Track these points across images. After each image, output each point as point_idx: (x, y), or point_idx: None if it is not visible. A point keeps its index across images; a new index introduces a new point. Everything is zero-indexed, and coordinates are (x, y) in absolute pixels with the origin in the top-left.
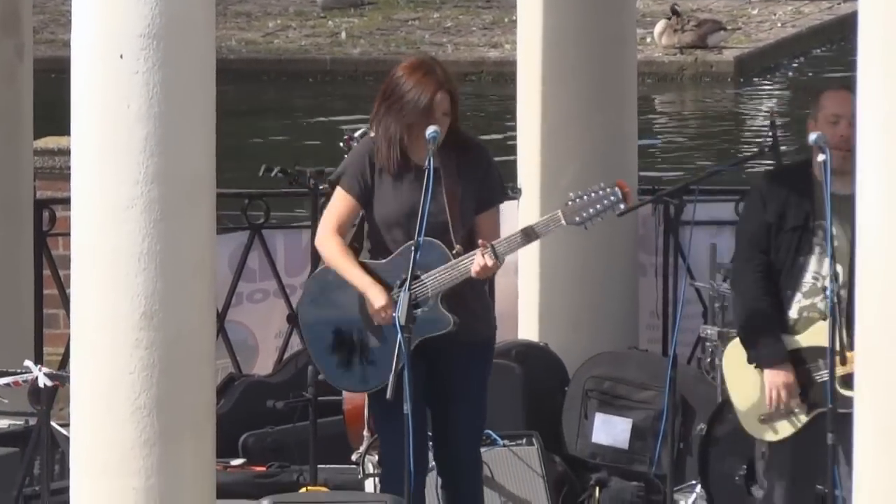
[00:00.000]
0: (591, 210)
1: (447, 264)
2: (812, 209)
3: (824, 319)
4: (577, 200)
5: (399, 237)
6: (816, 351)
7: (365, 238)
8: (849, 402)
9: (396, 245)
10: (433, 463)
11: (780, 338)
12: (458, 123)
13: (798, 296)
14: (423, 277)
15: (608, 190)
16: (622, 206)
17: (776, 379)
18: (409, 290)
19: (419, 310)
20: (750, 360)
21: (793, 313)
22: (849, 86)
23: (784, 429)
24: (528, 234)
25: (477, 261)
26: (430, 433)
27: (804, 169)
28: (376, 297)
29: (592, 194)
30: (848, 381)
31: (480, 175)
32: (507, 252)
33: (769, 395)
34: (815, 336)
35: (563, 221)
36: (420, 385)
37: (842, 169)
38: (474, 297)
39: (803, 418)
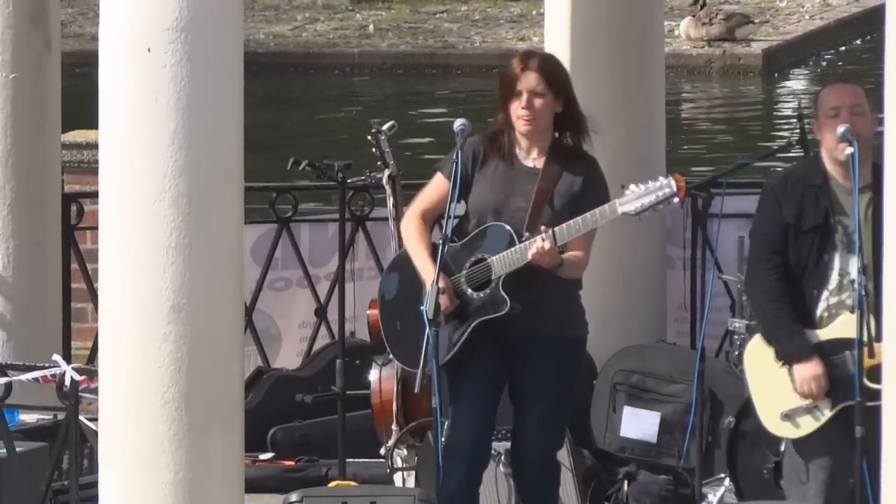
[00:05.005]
0: (645, 201)
1: (512, 248)
2: (830, 206)
3: (851, 313)
4: (633, 191)
5: None
6: (840, 343)
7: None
8: (876, 395)
9: None
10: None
11: (804, 331)
12: (574, 133)
13: (825, 293)
14: (488, 260)
15: (663, 182)
16: (676, 200)
17: (805, 372)
18: (471, 273)
19: (482, 292)
20: (778, 358)
21: (820, 310)
22: (846, 79)
23: (807, 424)
24: (587, 222)
25: (535, 245)
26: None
27: (815, 165)
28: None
29: (649, 184)
30: (875, 374)
31: (579, 186)
32: (566, 238)
33: (801, 389)
34: (838, 329)
35: (619, 211)
36: (492, 375)
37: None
38: (553, 297)
39: (827, 412)
